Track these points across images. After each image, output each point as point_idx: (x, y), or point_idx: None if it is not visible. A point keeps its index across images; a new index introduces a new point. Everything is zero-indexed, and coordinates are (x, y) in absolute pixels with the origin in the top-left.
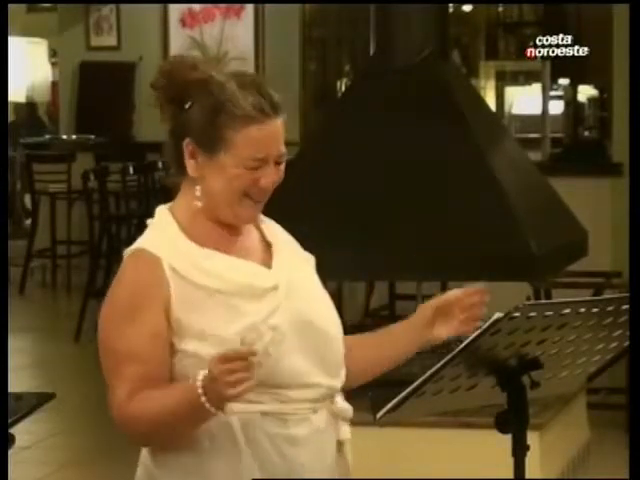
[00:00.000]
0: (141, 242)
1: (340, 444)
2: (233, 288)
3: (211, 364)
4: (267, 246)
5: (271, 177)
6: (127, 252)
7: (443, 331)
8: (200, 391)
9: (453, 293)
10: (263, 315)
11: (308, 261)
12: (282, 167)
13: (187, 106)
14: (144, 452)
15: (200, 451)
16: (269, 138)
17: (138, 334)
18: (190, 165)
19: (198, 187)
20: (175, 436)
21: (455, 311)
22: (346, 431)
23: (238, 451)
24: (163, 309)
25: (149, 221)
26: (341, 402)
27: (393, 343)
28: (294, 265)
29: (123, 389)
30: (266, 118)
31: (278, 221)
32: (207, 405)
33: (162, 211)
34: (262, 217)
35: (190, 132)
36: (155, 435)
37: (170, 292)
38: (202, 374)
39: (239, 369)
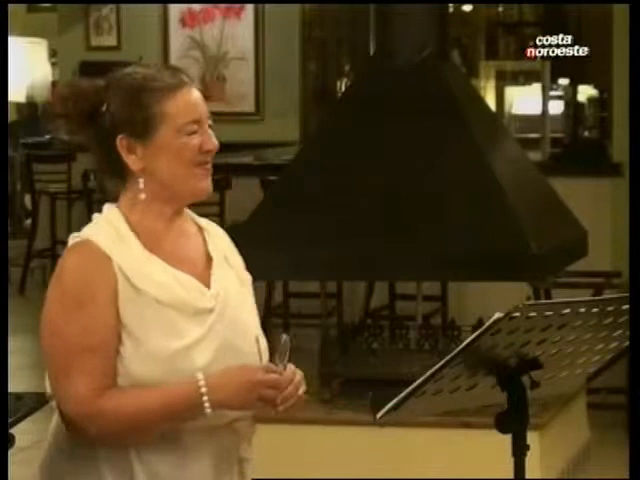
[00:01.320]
0: (91, 234)
1: (241, 462)
2: (171, 301)
3: (253, 372)
4: (208, 259)
5: (211, 140)
6: (74, 239)
7: None
8: (204, 390)
9: None
10: (196, 336)
11: (245, 283)
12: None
13: (104, 108)
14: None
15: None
16: (197, 100)
17: (93, 325)
18: (131, 160)
19: (141, 180)
20: (150, 434)
21: None
22: (248, 450)
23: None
24: (113, 305)
25: (96, 215)
26: (246, 423)
27: None
28: (232, 287)
29: (84, 383)
30: (186, 85)
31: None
32: (206, 405)
33: (112, 209)
34: (207, 225)
35: (118, 129)
36: (131, 432)
37: (117, 290)
38: (202, 374)
39: (278, 388)
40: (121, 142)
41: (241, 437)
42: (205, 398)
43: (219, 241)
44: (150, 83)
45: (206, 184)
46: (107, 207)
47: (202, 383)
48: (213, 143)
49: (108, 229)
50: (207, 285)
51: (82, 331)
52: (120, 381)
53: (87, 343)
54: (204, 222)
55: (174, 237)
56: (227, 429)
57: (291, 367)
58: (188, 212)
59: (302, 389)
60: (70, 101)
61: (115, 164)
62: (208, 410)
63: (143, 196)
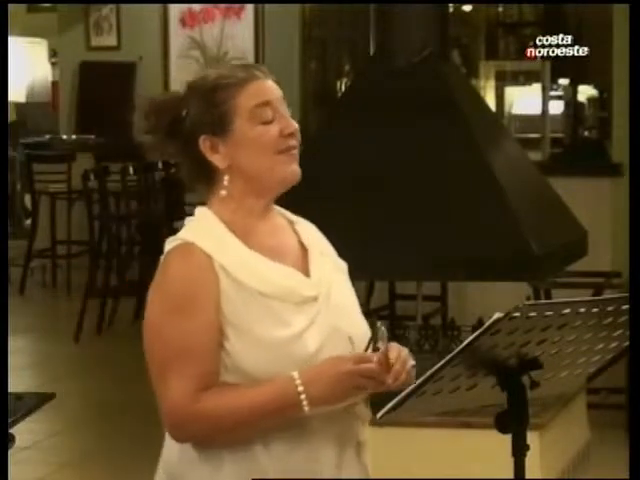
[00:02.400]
0: (188, 236)
1: (359, 445)
2: (275, 292)
3: (343, 363)
4: (303, 250)
5: (289, 123)
6: (172, 243)
7: None
8: (301, 389)
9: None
10: (303, 325)
11: (342, 270)
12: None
13: (184, 114)
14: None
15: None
16: (268, 87)
17: (194, 329)
18: (216, 159)
19: (226, 177)
20: (246, 432)
21: None
22: (364, 433)
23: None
24: (215, 306)
25: (188, 219)
26: (362, 406)
27: None
28: (330, 275)
29: (185, 387)
30: (257, 78)
31: None
32: (304, 403)
33: (204, 210)
34: (296, 218)
35: (199, 130)
36: (227, 431)
37: (220, 290)
38: (297, 373)
39: (376, 375)
40: (204, 143)
41: (359, 420)
42: (303, 397)
43: (310, 232)
44: (222, 80)
45: (291, 168)
46: (199, 210)
47: (298, 382)
48: (292, 125)
49: (205, 230)
50: (306, 275)
51: (183, 334)
52: (230, 377)
53: (186, 346)
54: (293, 216)
55: (268, 231)
56: (346, 413)
57: (394, 345)
58: (276, 207)
59: (410, 363)
60: (152, 116)
61: (203, 167)
62: (306, 408)
63: (224, 193)
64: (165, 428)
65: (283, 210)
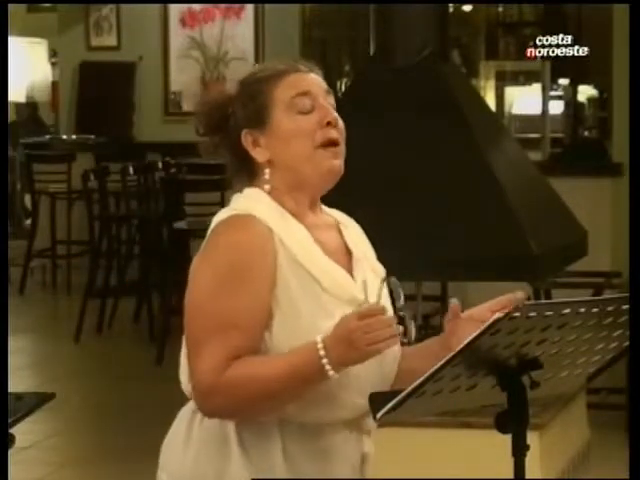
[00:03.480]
0: (244, 208)
1: (364, 457)
2: (329, 286)
3: (349, 322)
4: (347, 252)
5: (329, 111)
6: (229, 212)
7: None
8: (322, 353)
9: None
10: None
11: (379, 274)
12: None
13: (230, 111)
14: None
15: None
16: (309, 79)
17: (243, 303)
18: (257, 153)
19: (267, 170)
20: (273, 405)
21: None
22: (370, 444)
23: (271, 461)
24: (269, 281)
25: (236, 196)
26: (369, 419)
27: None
28: (370, 279)
29: (217, 356)
30: (297, 70)
31: None
32: (327, 367)
33: (257, 191)
34: (342, 218)
35: (241, 125)
36: (253, 402)
37: (277, 265)
38: (320, 337)
39: (380, 326)
40: (245, 137)
41: (367, 434)
42: (325, 361)
43: (354, 233)
44: (260, 74)
45: (331, 162)
46: (252, 190)
47: (320, 346)
48: (332, 114)
49: (263, 205)
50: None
51: (230, 307)
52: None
53: (231, 320)
54: (338, 214)
55: (317, 226)
56: (356, 425)
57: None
58: (322, 206)
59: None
60: (203, 116)
61: (246, 163)
62: (330, 373)
63: (267, 187)
64: (195, 403)
65: (330, 209)
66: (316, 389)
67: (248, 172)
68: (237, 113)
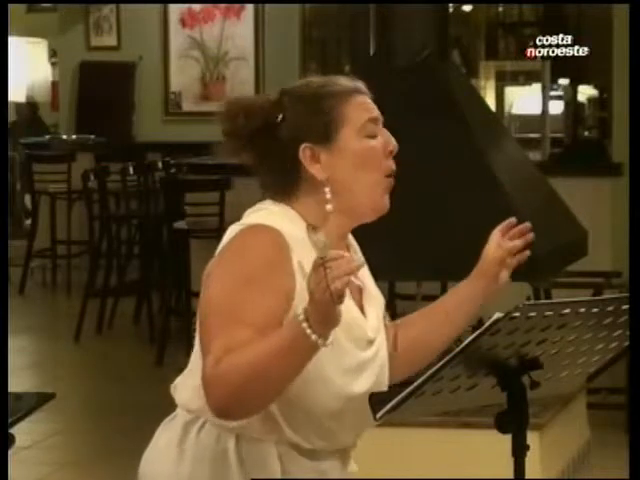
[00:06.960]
0: (271, 223)
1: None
2: (344, 321)
3: (309, 280)
4: (359, 286)
5: (391, 139)
6: (248, 221)
7: (504, 275)
8: (301, 317)
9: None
10: (360, 359)
11: (381, 306)
12: None
13: (279, 120)
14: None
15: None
16: (371, 102)
17: (261, 309)
18: (316, 169)
19: (327, 188)
20: (270, 386)
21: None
22: (353, 466)
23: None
24: (286, 295)
25: (258, 206)
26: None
27: (452, 311)
28: (380, 323)
29: (220, 346)
30: (362, 91)
31: None
32: (309, 331)
33: (286, 208)
34: (352, 241)
35: (299, 138)
36: (249, 385)
37: (295, 285)
38: (301, 307)
39: (342, 262)
40: (304, 152)
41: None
42: (305, 325)
43: (359, 257)
44: (328, 88)
45: (386, 201)
46: (279, 206)
47: (300, 311)
48: (394, 144)
49: (290, 225)
50: (362, 312)
51: (242, 307)
52: None
53: (239, 315)
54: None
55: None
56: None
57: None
58: None
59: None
60: (240, 118)
61: (292, 176)
62: (313, 337)
63: (330, 207)
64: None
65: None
66: (313, 420)
67: (289, 185)
68: (295, 125)
